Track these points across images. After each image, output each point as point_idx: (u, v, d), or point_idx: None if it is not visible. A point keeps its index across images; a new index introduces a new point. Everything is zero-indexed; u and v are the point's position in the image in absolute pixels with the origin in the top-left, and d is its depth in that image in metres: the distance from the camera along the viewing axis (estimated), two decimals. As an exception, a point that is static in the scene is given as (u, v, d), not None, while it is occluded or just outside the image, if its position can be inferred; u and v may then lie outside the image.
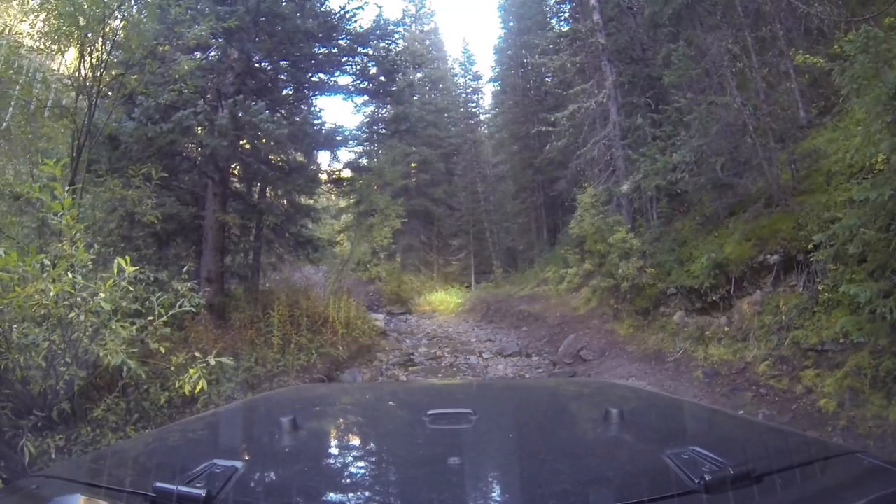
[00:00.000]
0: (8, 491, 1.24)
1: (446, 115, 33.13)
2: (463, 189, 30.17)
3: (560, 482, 1.05)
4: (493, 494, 1.09)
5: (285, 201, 13.20)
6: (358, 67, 11.30)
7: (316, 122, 9.35)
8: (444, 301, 23.23)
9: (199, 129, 8.04)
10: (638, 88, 12.78)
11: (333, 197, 28.65)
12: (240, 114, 7.33)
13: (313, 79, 10.78)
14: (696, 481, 0.92)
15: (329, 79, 11.18)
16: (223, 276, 10.22)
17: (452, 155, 31.30)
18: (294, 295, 9.84)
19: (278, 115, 8.87)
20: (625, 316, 9.79)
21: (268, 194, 13.30)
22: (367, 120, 11.32)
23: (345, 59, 10.96)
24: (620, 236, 9.09)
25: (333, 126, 8.61)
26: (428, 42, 36.26)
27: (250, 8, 7.94)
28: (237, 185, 12.02)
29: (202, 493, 0.91)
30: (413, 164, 30.91)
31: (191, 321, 8.70)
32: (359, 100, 11.60)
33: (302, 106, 10.46)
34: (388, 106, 11.81)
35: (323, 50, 9.29)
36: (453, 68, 35.51)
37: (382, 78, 11.38)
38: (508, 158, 27.08)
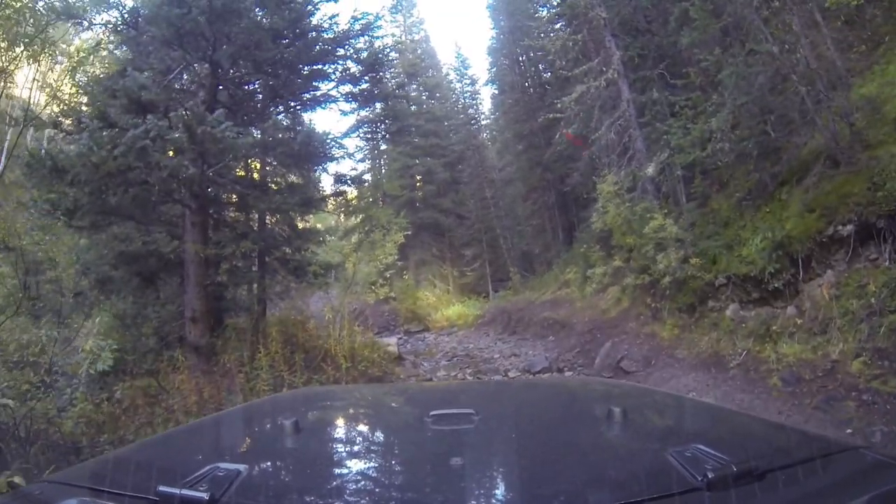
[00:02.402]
0: (12, 497, 1.26)
1: (446, 123, 32.56)
2: (471, 196, 29.09)
3: (562, 481, 1.04)
4: (496, 494, 1.07)
5: (287, 227, 12.38)
6: (339, 70, 10.29)
7: (291, 129, 8.22)
8: (461, 314, 22.16)
9: (157, 152, 6.98)
10: (649, 61, 11.54)
11: (342, 218, 28.05)
12: (198, 128, 6.26)
13: (289, 86, 9.69)
14: (699, 479, 0.90)
15: (308, 85, 10.13)
16: (210, 314, 9.13)
17: (457, 163, 30.39)
18: (291, 328, 8.69)
19: (248, 127, 7.79)
20: (665, 315, 8.49)
21: (268, 222, 12.64)
22: (356, 124, 10.01)
23: (321, 64, 9.95)
24: (657, 224, 7.83)
25: (311, 130, 7.47)
26: (420, 51, 35.51)
27: (203, 7, 6.91)
28: (233, 213, 11.16)
29: (205, 496, 0.90)
30: (417, 178, 30.19)
31: (169, 368, 7.62)
32: (345, 106, 10.27)
33: (279, 116, 9.38)
34: (378, 106, 10.53)
35: (292, 49, 8.19)
36: (448, 75, 34.67)
37: (367, 78, 10.31)
38: (515, 159, 26.08)
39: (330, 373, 7.67)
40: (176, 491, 0.92)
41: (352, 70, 10.17)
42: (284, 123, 9.00)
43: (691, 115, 7.65)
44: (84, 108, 9.03)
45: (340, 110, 10.34)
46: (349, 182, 10.69)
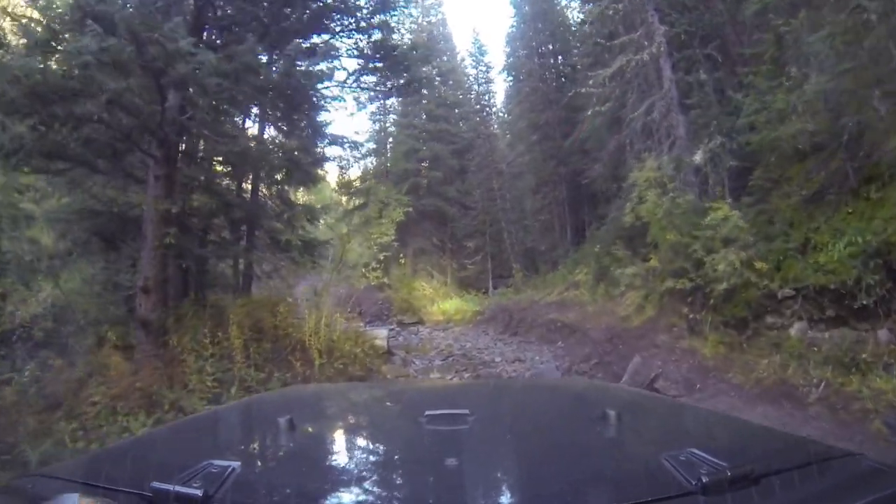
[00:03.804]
0: (4, 491, 1.22)
1: (457, 110, 31.44)
2: (477, 186, 27.87)
3: (557, 483, 1.03)
4: (490, 495, 1.07)
5: (279, 200, 11.12)
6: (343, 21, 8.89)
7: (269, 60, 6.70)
8: (459, 309, 20.92)
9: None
10: (696, 40, 10.15)
11: (344, 200, 26.77)
12: (146, 34, 4.83)
13: (284, 34, 8.24)
14: (694, 483, 0.90)
15: (308, 31, 8.70)
16: (166, 284, 7.73)
17: (465, 151, 29.34)
18: (258, 310, 7.27)
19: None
20: (707, 329, 7.10)
21: (261, 193, 11.21)
22: (358, 70, 8.55)
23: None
24: (719, 216, 6.40)
25: (291, 63, 5.96)
26: (436, 33, 34.20)
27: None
28: (225, 181, 9.92)
29: (199, 492, 0.90)
30: (423, 164, 28.98)
31: (98, 348, 6.21)
32: (350, 63, 8.85)
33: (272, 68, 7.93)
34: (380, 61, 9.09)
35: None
36: (463, 59, 33.38)
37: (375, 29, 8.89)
38: (527, 150, 24.88)
39: (298, 369, 6.27)
40: (170, 487, 0.90)
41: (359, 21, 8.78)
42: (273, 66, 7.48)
43: (765, 90, 6.23)
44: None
45: (345, 68, 8.91)
46: (347, 145, 9.24)
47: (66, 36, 6.93)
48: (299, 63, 8.22)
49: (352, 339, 7.62)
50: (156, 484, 0.91)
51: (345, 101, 8.56)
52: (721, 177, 8.15)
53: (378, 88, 9.12)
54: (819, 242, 5.98)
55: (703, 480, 0.88)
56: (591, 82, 10.37)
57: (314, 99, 7.27)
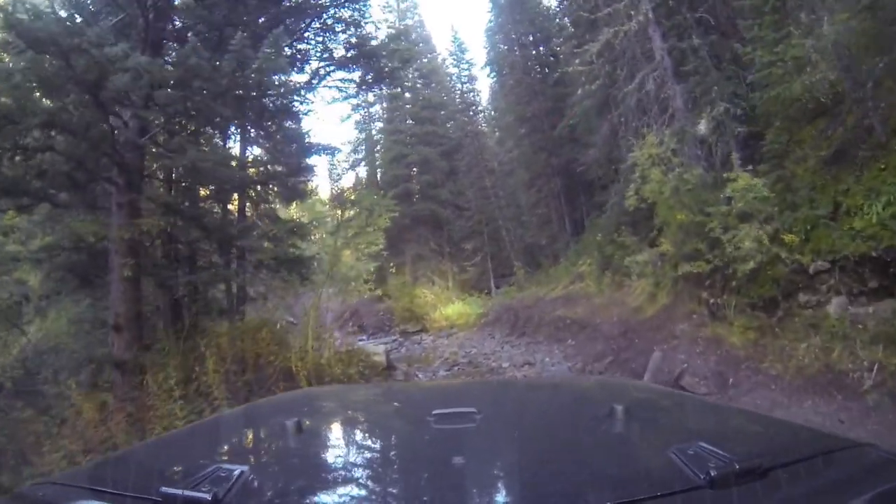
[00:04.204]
0: (12, 498, 1.25)
1: (442, 112, 31.07)
2: (470, 186, 27.43)
3: (564, 480, 1.02)
4: (498, 494, 1.05)
5: (266, 219, 10.56)
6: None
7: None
8: (462, 313, 20.33)
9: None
10: (684, 5, 9.53)
11: (339, 214, 26.25)
12: (69, 41, 4.20)
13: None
14: (702, 477, 0.87)
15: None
16: (139, 320, 7.10)
17: (454, 152, 28.98)
18: (239, 337, 6.60)
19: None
20: (732, 314, 6.44)
21: (248, 211, 10.74)
22: (324, 63, 7.90)
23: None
24: (742, 185, 5.73)
25: (243, 54, 5.20)
26: (414, 36, 33.73)
27: None
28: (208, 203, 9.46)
29: (208, 496, 0.88)
30: (413, 169, 28.48)
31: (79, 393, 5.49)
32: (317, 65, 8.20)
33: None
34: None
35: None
36: (444, 60, 32.98)
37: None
38: (517, 144, 24.32)
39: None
40: (178, 491, 0.89)
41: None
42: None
43: (771, 42, 5.61)
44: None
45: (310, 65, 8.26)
46: (326, 153, 8.60)
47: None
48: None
49: (344, 360, 6.96)
50: (164, 489, 0.90)
51: (312, 102, 7.84)
52: (728, 146, 7.50)
53: (350, 83, 8.48)
54: (852, 206, 5.33)
55: (712, 474, 0.86)
56: (577, 61, 9.73)
57: (281, 101, 6.59)
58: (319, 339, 7.14)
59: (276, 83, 6.04)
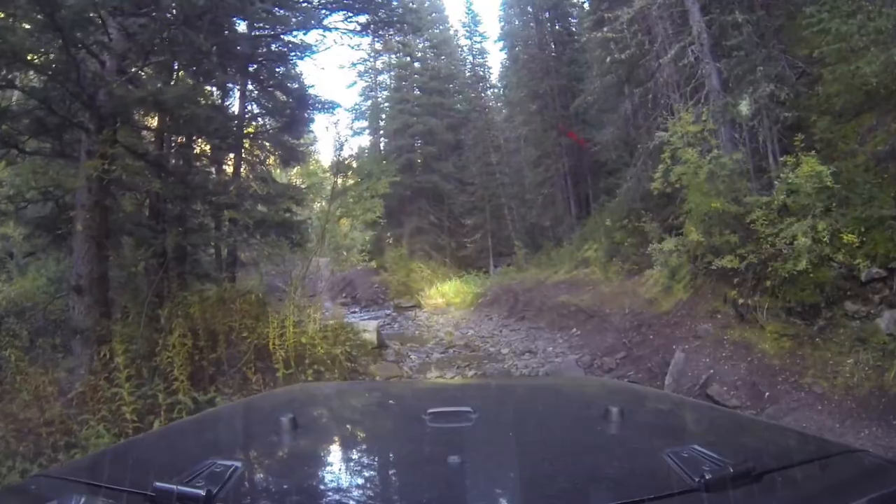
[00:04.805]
0: (7, 492, 1.25)
1: (451, 84, 30.09)
2: (475, 161, 26.58)
3: (560, 481, 1.03)
4: (493, 493, 1.04)
5: (261, 181, 10.13)
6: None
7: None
8: (459, 291, 19.77)
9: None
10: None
11: (339, 182, 25.56)
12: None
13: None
14: (696, 480, 0.87)
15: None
16: (105, 281, 6.40)
17: (461, 125, 28.19)
18: (210, 309, 5.91)
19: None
20: (765, 317, 5.79)
21: (242, 171, 10.42)
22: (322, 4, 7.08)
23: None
24: (807, 171, 4.99)
25: None
26: (427, 4, 32.57)
27: None
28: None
29: (202, 492, 0.88)
30: (418, 141, 27.69)
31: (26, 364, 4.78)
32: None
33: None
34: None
35: None
36: (456, 32, 31.79)
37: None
38: (527, 121, 23.48)
39: (255, 385, 4.95)
40: (173, 487, 0.88)
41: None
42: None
43: (848, 12, 4.83)
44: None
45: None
46: (321, 109, 7.83)
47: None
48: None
49: (331, 338, 6.30)
50: (158, 484, 0.89)
51: (310, 47, 7.01)
52: (771, 132, 6.75)
53: (346, 26, 7.65)
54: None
55: (706, 477, 0.86)
56: (605, 29, 8.86)
57: (269, 32, 5.80)
58: (303, 312, 6.45)
59: (261, 10, 5.23)
